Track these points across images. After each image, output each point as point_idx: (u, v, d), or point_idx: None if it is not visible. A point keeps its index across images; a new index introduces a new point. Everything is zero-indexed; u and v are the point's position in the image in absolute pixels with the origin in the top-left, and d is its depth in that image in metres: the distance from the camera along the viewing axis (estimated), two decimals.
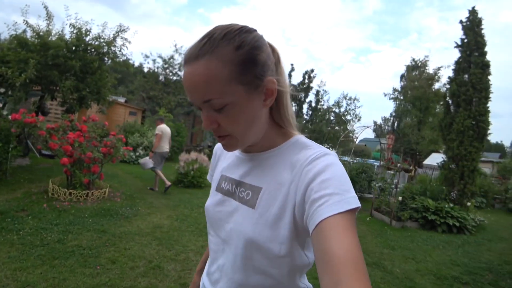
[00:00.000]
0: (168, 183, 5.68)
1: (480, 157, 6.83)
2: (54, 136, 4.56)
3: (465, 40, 7.14)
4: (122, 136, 5.12)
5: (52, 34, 6.48)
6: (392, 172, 6.73)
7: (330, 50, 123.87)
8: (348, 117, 15.42)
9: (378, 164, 8.67)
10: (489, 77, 6.78)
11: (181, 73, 14.72)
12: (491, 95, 6.71)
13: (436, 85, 16.45)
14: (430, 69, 17.46)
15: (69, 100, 6.73)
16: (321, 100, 15.79)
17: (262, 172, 0.63)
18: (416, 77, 17.33)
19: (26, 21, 6.35)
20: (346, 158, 8.80)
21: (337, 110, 15.50)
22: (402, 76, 19.87)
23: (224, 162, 0.75)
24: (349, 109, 15.44)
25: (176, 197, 5.48)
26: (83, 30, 6.60)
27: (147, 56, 15.82)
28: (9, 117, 5.01)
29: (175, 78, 15.54)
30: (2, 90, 6.52)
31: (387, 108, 63.73)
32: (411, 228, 5.40)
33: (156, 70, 15.91)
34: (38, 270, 2.38)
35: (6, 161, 4.80)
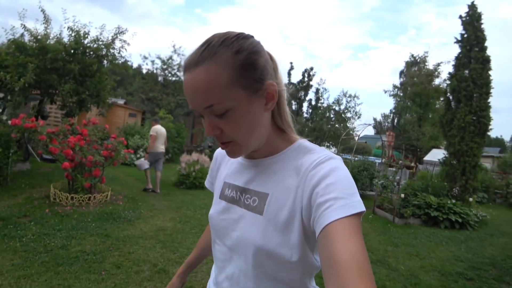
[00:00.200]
0: (150, 186, 5.79)
1: (482, 153, 6.81)
2: (55, 140, 4.55)
3: (465, 35, 7.10)
4: (123, 139, 5.11)
5: (50, 37, 6.46)
6: (394, 169, 6.72)
7: (328, 47, 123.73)
8: (348, 115, 15.45)
9: (379, 161, 8.66)
10: (490, 72, 6.77)
11: (180, 74, 14.72)
12: (491, 90, 6.69)
13: (436, 81, 16.43)
14: (430, 65, 17.42)
15: (68, 103, 6.71)
16: (321, 98, 15.79)
17: (267, 178, 0.62)
18: (415, 73, 17.27)
19: (24, 25, 6.33)
20: (347, 156, 8.79)
21: (337, 108, 15.52)
22: (401, 73, 19.85)
23: (226, 168, 0.74)
24: (349, 106, 15.46)
25: (178, 199, 5.47)
26: (81, 33, 6.57)
27: (145, 57, 15.76)
28: (9, 122, 4.99)
29: (174, 79, 15.49)
30: (1, 95, 6.50)
31: (387, 104, 63.77)
32: (414, 225, 5.40)
33: (155, 71, 15.88)
34: (42, 278, 2.36)
35: (6, 166, 4.78)
